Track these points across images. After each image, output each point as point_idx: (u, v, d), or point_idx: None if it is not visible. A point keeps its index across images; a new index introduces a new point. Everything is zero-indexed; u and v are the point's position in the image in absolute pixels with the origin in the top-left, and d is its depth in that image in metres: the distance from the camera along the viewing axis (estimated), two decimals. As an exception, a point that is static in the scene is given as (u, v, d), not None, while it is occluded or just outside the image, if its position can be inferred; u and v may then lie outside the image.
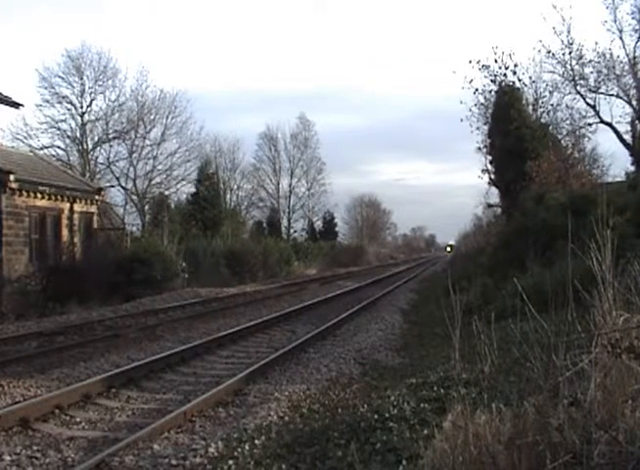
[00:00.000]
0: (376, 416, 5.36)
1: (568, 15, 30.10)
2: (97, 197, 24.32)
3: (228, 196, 50.03)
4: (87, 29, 77.90)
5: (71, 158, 38.83)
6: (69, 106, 38.78)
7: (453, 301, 4.00)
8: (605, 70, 26.58)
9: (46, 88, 38.51)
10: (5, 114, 40.37)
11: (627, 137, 26.85)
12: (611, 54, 26.49)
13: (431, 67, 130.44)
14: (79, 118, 39.03)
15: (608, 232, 3.57)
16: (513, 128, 23.72)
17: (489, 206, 34.75)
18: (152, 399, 7.86)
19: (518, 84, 26.16)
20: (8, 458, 5.46)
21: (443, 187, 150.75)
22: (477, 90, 27.21)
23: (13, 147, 29.28)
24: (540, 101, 28.93)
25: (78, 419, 6.86)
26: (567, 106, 28.00)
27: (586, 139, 28.35)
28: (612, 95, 27.02)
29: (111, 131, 39.34)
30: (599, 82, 26.90)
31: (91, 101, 39.20)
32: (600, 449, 2.70)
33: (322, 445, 5.03)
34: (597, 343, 3.17)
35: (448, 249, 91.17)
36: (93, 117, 39.41)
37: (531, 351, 3.24)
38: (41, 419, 6.67)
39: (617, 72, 26.51)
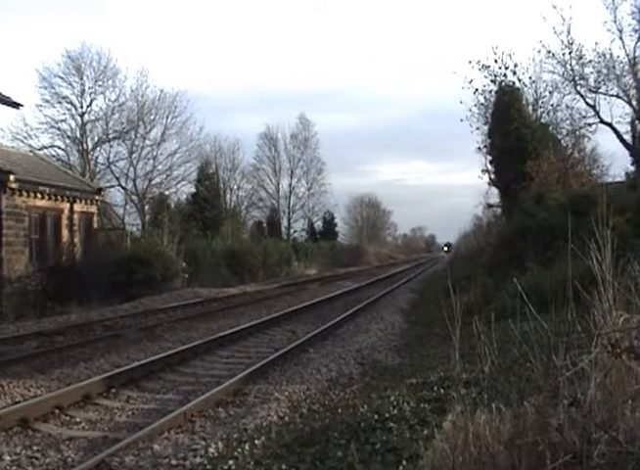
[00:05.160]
0: (376, 416, 5.35)
1: (568, 15, 30.18)
2: (97, 197, 24.32)
3: (228, 196, 50.04)
4: (87, 30, 77.84)
5: (71, 158, 38.84)
6: (69, 106, 38.80)
7: (453, 301, 3.99)
8: (605, 71, 26.60)
9: (46, 88, 38.55)
10: (5, 114, 40.54)
11: (627, 137, 26.85)
12: (611, 54, 26.51)
13: (431, 67, 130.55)
14: (79, 119, 39.04)
15: (608, 232, 3.57)
16: (513, 128, 23.72)
17: (489, 206, 34.67)
18: (152, 399, 7.86)
19: (518, 84, 26.21)
20: (8, 458, 5.46)
21: (443, 187, 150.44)
22: (477, 90, 27.28)
23: (13, 147, 29.32)
24: (540, 101, 29.00)
25: (78, 419, 6.87)
26: (567, 106, 28.05)
27: (586, 139, 28.39)
28: (612, 95, 27.03)
29: (111, 131, 39.35)
30: (599, 82, 26.92)
31: (91, 101, 39.21)
32: (600, 449, 2.70)
33: (322, 445, 5.02)
34: (597, 343, 3.17)
35: (445, 249, 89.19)
36: (93, 118, 39.43)
37: (531, 351, 3.24)
38: (41, 419, 6.67)
39: (617, 73, 26.53)
